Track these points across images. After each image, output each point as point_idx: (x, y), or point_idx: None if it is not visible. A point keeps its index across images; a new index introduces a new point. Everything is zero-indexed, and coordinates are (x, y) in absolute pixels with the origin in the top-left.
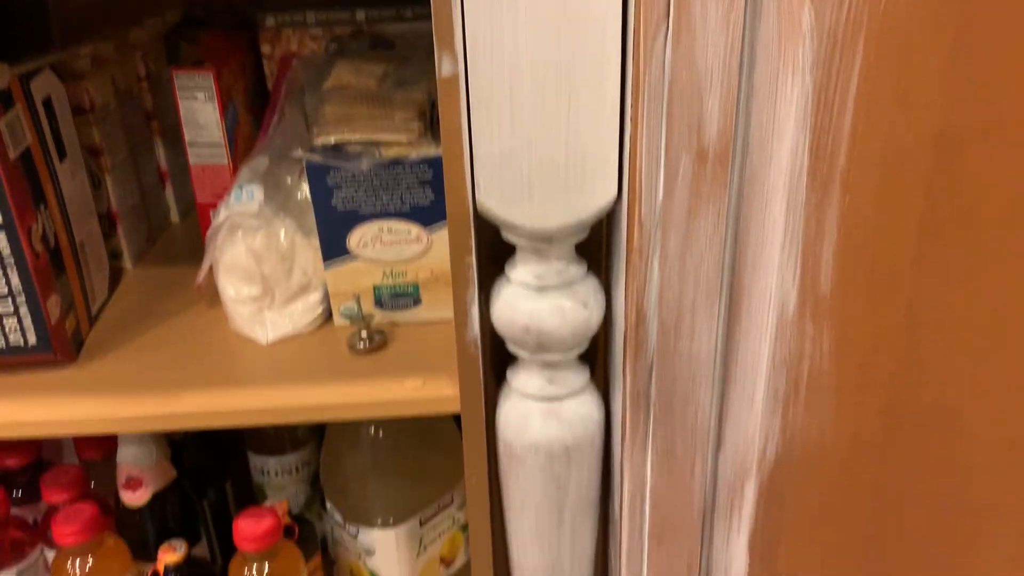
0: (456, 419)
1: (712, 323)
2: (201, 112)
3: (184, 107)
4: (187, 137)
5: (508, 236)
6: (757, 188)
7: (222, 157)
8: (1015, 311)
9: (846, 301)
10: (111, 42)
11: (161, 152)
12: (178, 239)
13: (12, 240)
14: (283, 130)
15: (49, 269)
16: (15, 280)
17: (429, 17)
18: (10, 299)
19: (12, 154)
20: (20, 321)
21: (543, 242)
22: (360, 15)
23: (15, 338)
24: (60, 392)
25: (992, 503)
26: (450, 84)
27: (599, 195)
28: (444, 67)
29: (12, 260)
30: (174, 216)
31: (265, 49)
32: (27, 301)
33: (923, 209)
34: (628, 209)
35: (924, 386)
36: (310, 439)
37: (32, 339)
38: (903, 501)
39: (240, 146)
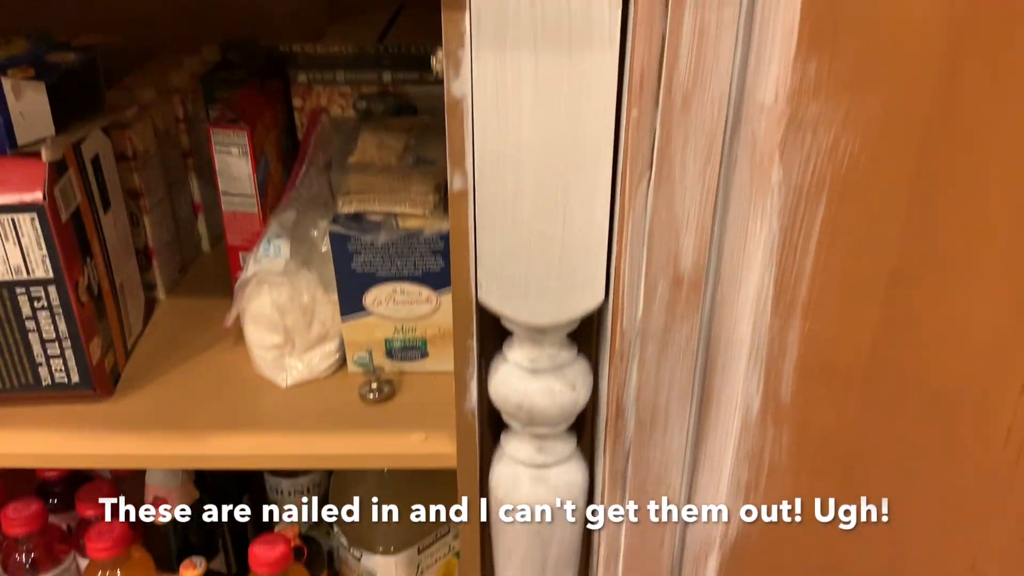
0: None
1: (684, 420)
2: (235, 166)
3: (220, 160)
4: (221, 187)
5: (506, 324)
6: (726, 311)
7: (252, 206)
8: (951, 418)
9: (804, 408)
10: (153, 88)
11: (195, 186)
12: (208, 268)
13: (61, 293)
14: (310, 183)
15: (93, 315)
16: (62, 327)
17: None
18: (57, 343)
19: (64, 216)
20: (65, 363)
21: (537, 332)
22: (386, 76)
23: (60, 376)
24: (98, 427)
25: None
26: (460, 197)
27: (587, 299)
28: (455, 183)
29: (60, 310)
30: (205, 245)
31: (296, 103)
32: (72, 345)
33: (876, 334)
34: (612, 319)
35: (873, 477)
36: None
37: (76, 378)
38: None
39: (270, 193)
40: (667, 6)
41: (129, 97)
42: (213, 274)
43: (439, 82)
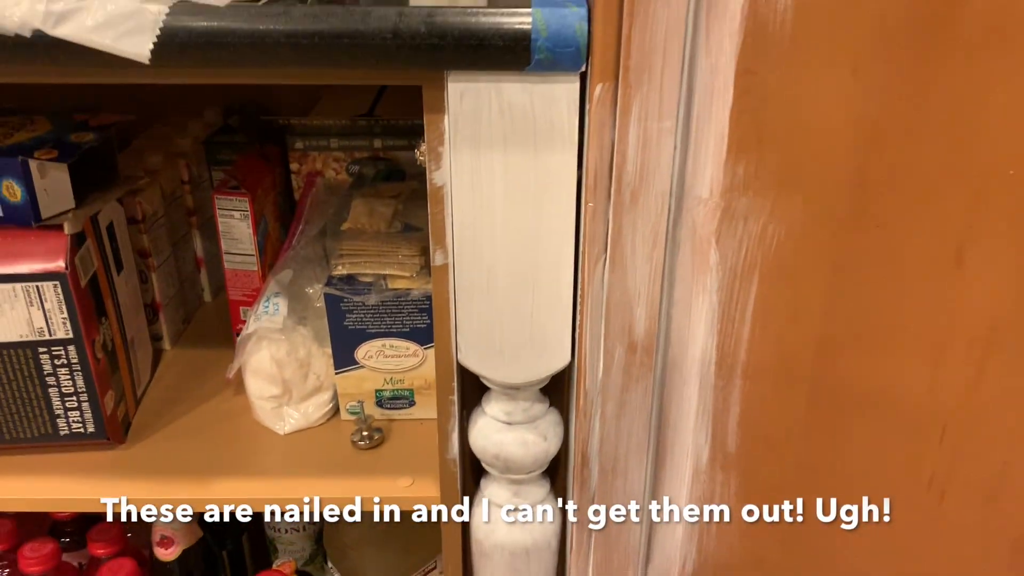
0: None
1: (641, 468)
2: (237, 228)
3: (223, 223)
4: (224, 247)
5: (484, 381)
6: (676, 373)
7: (253, 264)
8: (881, 468)
9: (748, 457)
10: (160, 153)
11: (198, 242)
12: (210, 319)
13: (79, 351)
14: (306, 243)
15: (107, 369)
16: (79, 382)
17: None
18: (75, 397)
19: (83, 281)
20: (82, 414)
21: (512, 388)
22: (377, 143)
23: (76, 427)
24: (111, 473)
25: None
26: (441, 271)
27: (555, 361)
28: (437, 258)
29: (78, 367)
30: (207, 296)
31: (293, 167)
32: (88, 399)
33: (809, 394)
34: (576, 380)
35: (811, 524)
36: None
37: (91, 428)
38: None
39: (268, 251)
40: (615, 118)
41: (139, 161)
42: (214, 325)
43: None
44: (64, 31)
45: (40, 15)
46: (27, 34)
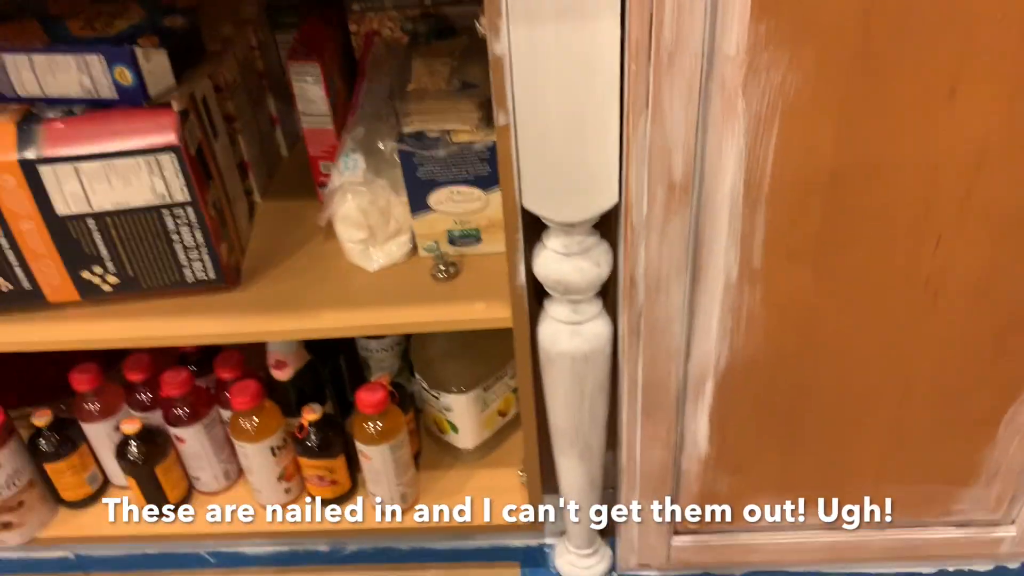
0: None
1: (681, 287)
2: (311, 91)
3: (297, 87)
4: (300, 108)
5: (543, 220)
6: (709, 205)
7: (328, 123)
8: (882, 274)
9: (771, 272)
10: (229, 22)
11: (271, 101)
12: (290, 171)
13: (196, 211)
14: (371, 100)
15: (218, 224)
16: (199, 237)
17: (480, 2)
18: (196, 250)
19: (192, 151)
20: (203, 264)
21: (568, 226)
22: (427, 1)
23: (200, 275)
24: (231, 311)
25: (864, 398)
26: (504, 130)
27: (605, 201)
28: (500, 119)
29: (197, 225)
30: (283, 151)
31: (352, 28)
32: (208, 251)
33: (822, 215)
34: (624, 216)
35: (823, 323)
36: None
37: (212, 275)
38: (810, 394)
39: (339, 108)
40: None
41: (212, 31)
42: (295, 177)
43: (472, 2)
44: None
45: None
46: None
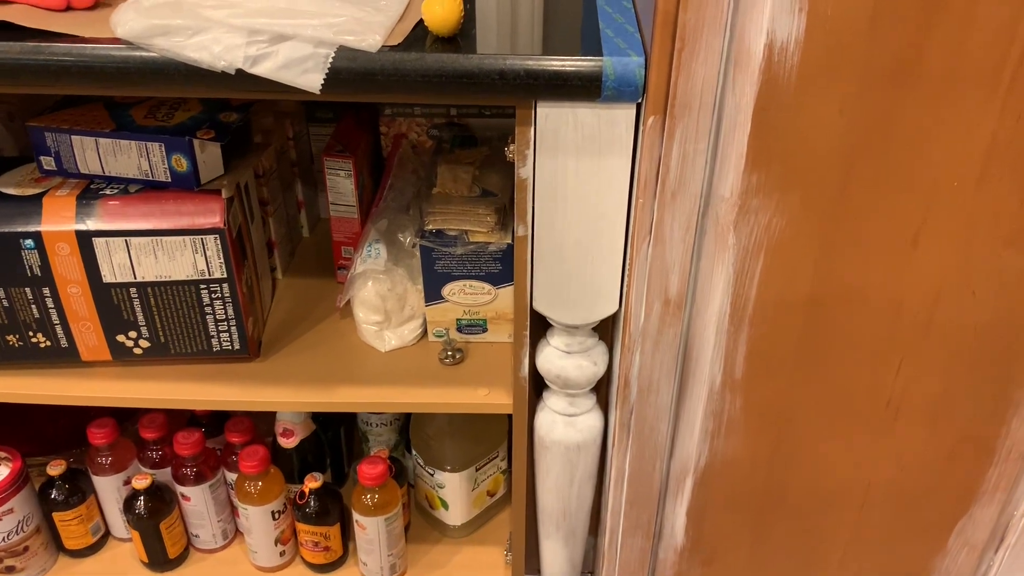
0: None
1: (670, 388)
2: (342, 184)
3: (330, 180)
4: (330, 199)
5: (549, 320)
6: (699, 321)
7: (354, 212)
8: (849, 393)
9: (750, 383)
10: (270, 114)
11: (299, 186)
12: (310, 251)
13: (231, 288)
14: (396, 195)
15: (248, 300)
16: (230, 311)
17: (500, 116)
18: (226, 323)
19: (233, 233)
20: (231, 335)
21: (571, 327)
22: (452, 110)
23: (226, 346)
24: (250, 381)
25: (829, 500)
26: (522, 240)
27: (607, 309)
28: (520, 230)
29: (230, 300)
30: (305, 232)
31: (383, 129)
32: (236, 324)
33: (798, 337)
34: (623, 325)
35: (796, 431)
36: None
37: (237, 346)
38: (781, 494)
39: (363, 199)
40: (662, 140)
41: (255, 122)
42: (315, 257)
43: (493, 115)
44: (259, 69)
45: (240, 59)
46: (231, 72)
